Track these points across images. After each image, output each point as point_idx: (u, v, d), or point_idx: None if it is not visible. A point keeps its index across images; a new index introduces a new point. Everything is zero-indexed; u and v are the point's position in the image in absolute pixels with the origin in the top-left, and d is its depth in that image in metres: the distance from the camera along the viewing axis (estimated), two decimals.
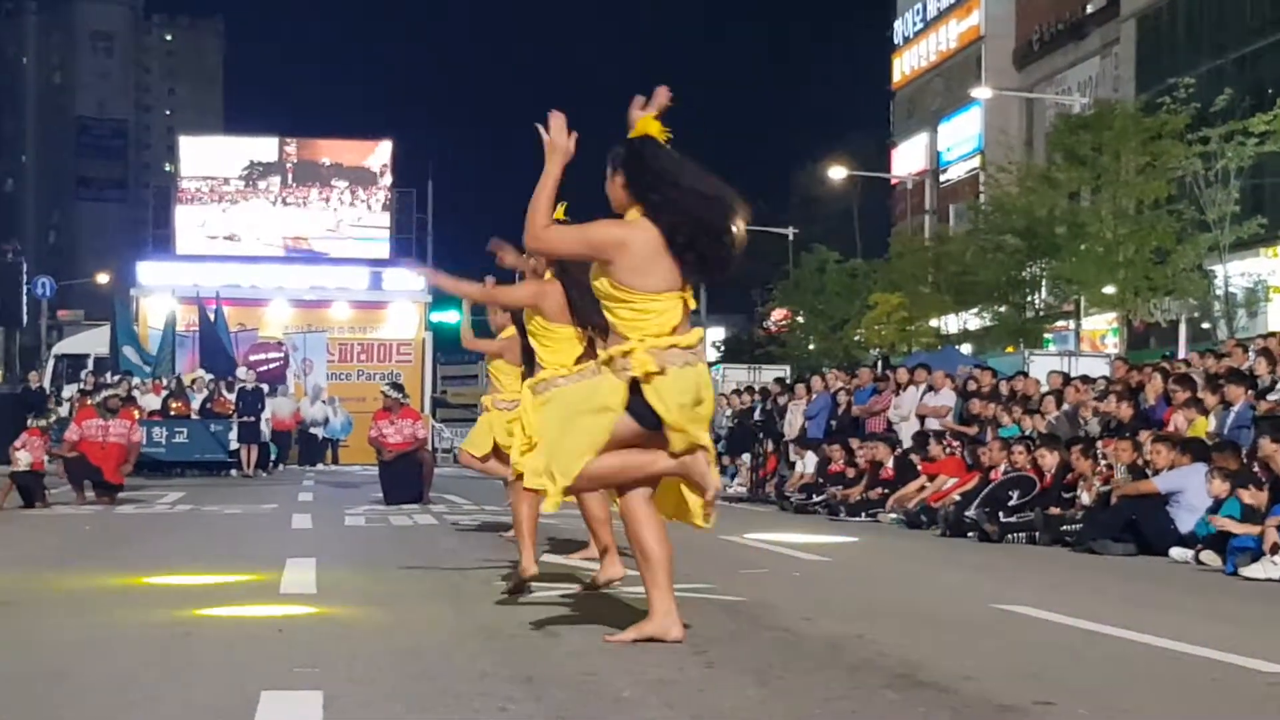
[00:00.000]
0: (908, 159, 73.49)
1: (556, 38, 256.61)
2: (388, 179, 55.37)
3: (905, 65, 76.21)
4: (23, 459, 20.65)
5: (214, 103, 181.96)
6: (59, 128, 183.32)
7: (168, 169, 64.73)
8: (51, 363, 47.13)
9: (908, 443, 21.64)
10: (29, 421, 22.89)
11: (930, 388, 23.59)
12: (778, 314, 64.68)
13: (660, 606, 7.40)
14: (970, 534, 16.80)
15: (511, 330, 11.23)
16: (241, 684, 6.17)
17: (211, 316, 40.75)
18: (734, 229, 7.40)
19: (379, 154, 55.39)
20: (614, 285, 7.30)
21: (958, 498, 18.00)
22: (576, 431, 7.39)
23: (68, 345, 51.13)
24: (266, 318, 48.53)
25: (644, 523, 7.48)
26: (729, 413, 32.79)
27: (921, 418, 22.99)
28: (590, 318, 8.57)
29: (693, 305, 7.41)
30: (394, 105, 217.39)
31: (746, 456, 29.16)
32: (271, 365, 41.27)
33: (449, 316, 48.07)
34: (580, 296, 8.72)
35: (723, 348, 77.74)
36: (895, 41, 77.70)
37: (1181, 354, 33.45)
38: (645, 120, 7.54)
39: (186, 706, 5.77)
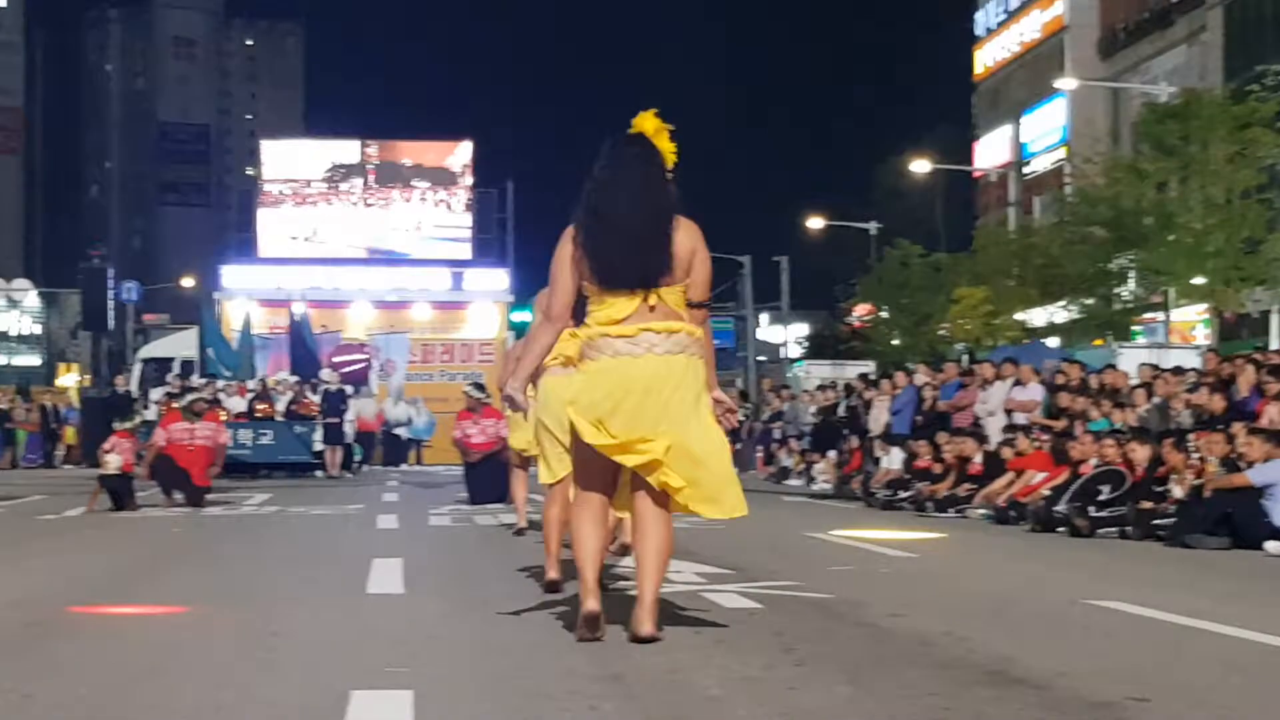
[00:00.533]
0: (991, 151, 73.03)
1: (638, 36, 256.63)
2: (468, 179, 55.52)
3: (988, 57, 75.66)
4: (112, 462, 20.80)
5: (295, 106, 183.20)
6: (142, 134, 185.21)
7: (250, 173, 65.23)
8: (138, 367, 47.47)
9: (995, 438, 21.53)
10: (115, 424, 23.05)
11: (1017, 382, 23.43)
12: (861, 309, 64.39)
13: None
14: (1060, 529, 16.70)
15: None
16: (332, 683, 6.19)
17: (298, 319, 40.95)
18: (627, 247, 7.29)
19: (460, 154, 55.54)
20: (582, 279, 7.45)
21: (1047, 492, 17.87)
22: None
23: (153, 349, 51.53)
24: (349, 319, 48.84)
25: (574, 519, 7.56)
26: (813, 410, 32.76)
27: (1009, 412, 22.86)
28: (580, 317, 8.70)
29: (654, 303, 7.27)
30: (475, 105, 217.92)
31: (831, 453, 29.11)
32: (355, 367, 41.49)
33: (529, 317, 48.22)
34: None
35: (805, 344, 77.61)
36: (977, 33, 77.14)
37: (1274, 345, 33.16)
38: (643, 117, 7.50)
39: (277, 705, 5.79)
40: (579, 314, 7.98)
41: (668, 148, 7.45)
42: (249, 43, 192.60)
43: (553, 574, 9.81)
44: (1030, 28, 71.11)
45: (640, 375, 7.22)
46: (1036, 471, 19.14)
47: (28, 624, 8.42)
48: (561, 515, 10.10)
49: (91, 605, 9.45)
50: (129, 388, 40.48)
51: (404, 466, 40.59)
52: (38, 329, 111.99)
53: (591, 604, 7.21)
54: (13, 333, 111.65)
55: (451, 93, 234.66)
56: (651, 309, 7.25)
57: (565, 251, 7.45)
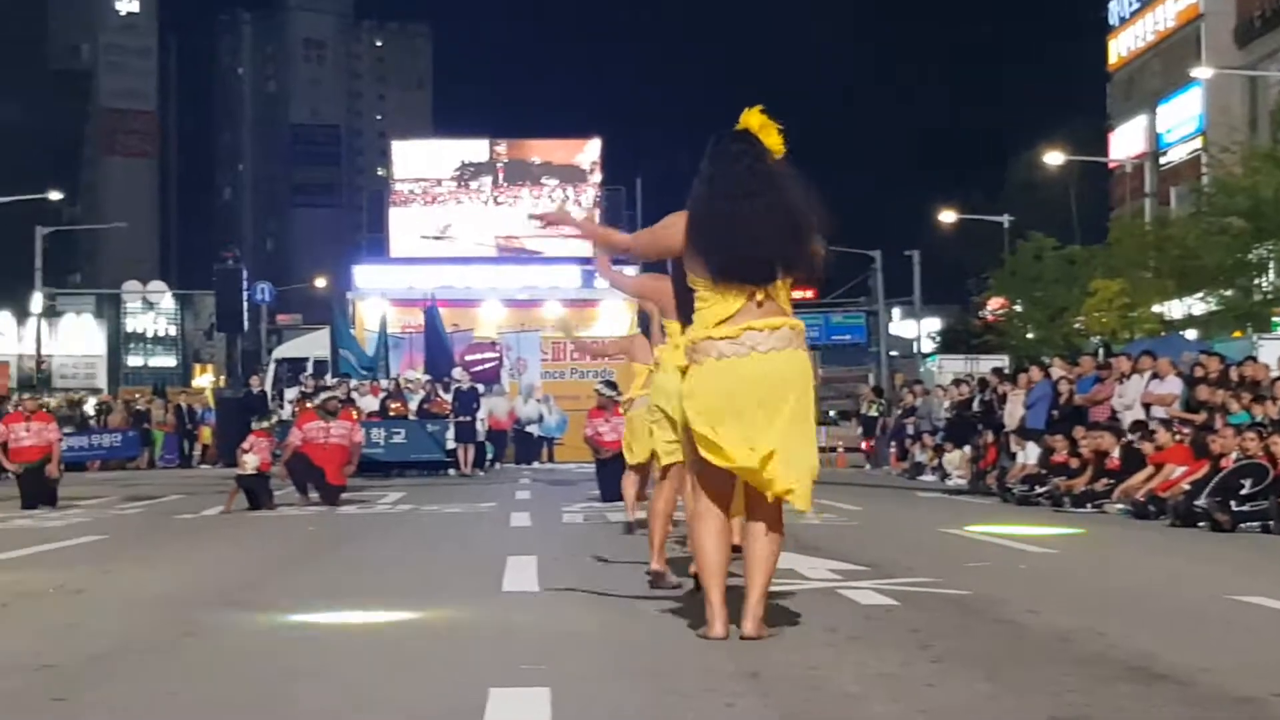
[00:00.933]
0: (1126, 142, 72.11)
1: (764, 30, 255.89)
2: (597, 176, 55.79)
3: (1121, 47, 74.72)
4: (250, 462, 21.03)
5: (424, 106, 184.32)
6: (273, 136, 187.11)
7: (380, 173, 65.75)
8: (272, 367, 47.98)
9: (1134, 432, 21.31)
10: (253, 424, 23.30)
11: (1155, 375, 23.16)
12: (994, 303, 63.90)
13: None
14: (1201, 524, 16.48)
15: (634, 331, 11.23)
16: (469, 681, 6.23)
17: (430, 309, 41.24)
18: (738, 243, 7.24)
19: (588, 152, 55.80)
20: (689, 275, 7.42)
21: (1187, 487, 17.70)
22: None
23: (287, 349, 52.06)
24: (480, 318, 49.12)
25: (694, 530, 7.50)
26: (947, 404, 32.57)
27: (1146, 406, 22.62)
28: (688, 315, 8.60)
29: (761, 299, 7.23)
30: (602, 103, 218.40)
31: (966, 448, 28.96)
32: (486, 365, 41.66)
33: None
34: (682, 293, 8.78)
35: (938, 339, 77.12)
36: (1110, 23, 76.22)
37: None
38: (748, 113, 7.45)
39: (417, 703, 5.84)
40: (686, 315, 8.01)
41: (774, 143, 7.39)
42: (378, 44, 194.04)
43: (656, 565, 9.84)
44: (1165, 16, 70.10)
45: (746, 376, 7.19)
46: (1176, 465, 18.97)
47: (168, 624, 8.54)
48: (666, 508, 10.13)
49: (230, 605, 9.57)
50: (264, 388, 40.92)
51: (536, 464, 40.72)
52: (173, 331, 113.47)
53: (718, 628, 7.17)
54: (149, 334, 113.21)
55: (580, 91, 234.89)
56: (759, 305, 7.21)
57: (679, 224, 7.47)
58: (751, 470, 7.11)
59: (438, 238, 54.30)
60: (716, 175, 7.34)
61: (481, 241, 54.22)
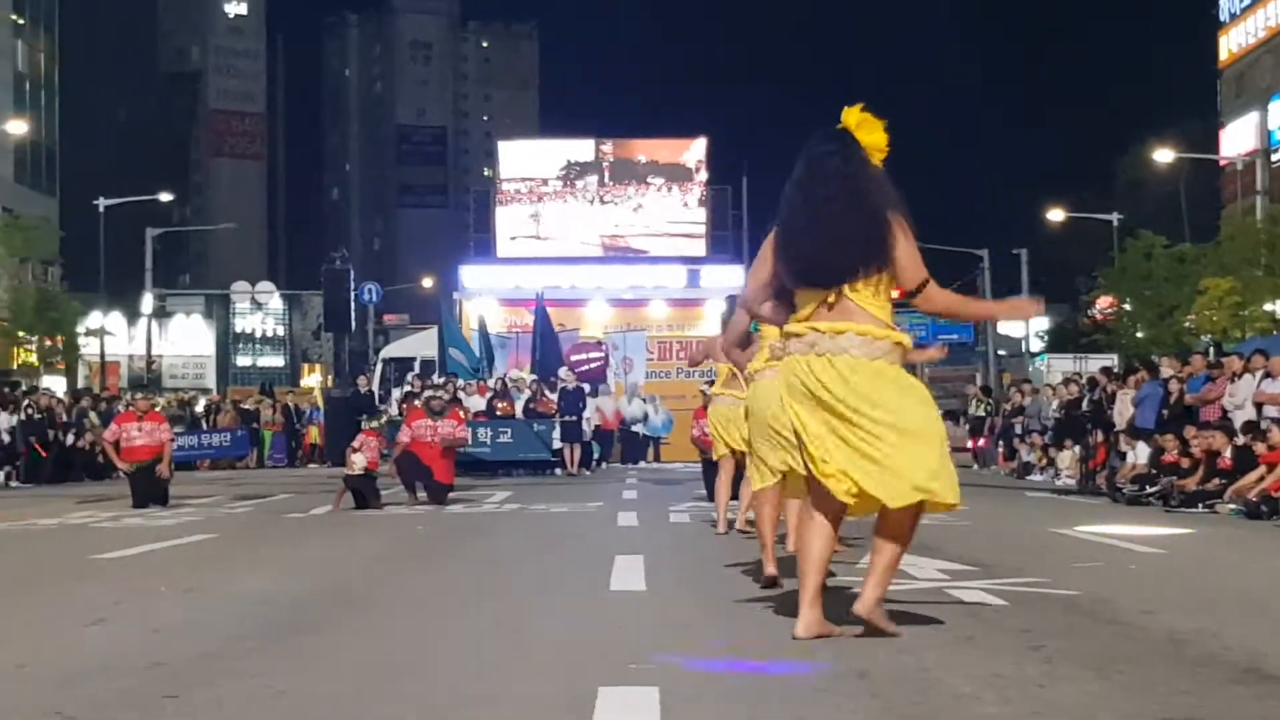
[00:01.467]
0: (1237, 139, 71.45)
1: (874, 32, 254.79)
2: (703, 175, 55.73)
3: (1232, 42, 74.10)
4: (358, 461, 21.13)
5: (529, 106, 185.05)
6: (381, 137, 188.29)
7: (486, 174, 65.99)
8: (379, 366, 48.27)
9: (1246, 432, 21.10)
10: (363, 423, 23.46)
11: (1267, 374, 22.90)
12: (1103, 301, 63.61)
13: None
14: None
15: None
16: (579, 679, 6.24)
17: (539, 309, 41.39)
18: (826, 248, 7.18)
19: (694, 151, 55.79)
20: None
21: None
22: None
23: (394, 349, 52.41)
24: (586, 318, 49.17)
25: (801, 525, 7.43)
26: (1055, 404, 32.37)
27: (1259, 405, 22.37)
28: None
29: (831, 301, 7.16)
30: (709, 103, 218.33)
31: (1076, 448, 28.77)
32: (592, 365, 41.70)
33: None
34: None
35: (1046, 338, 76.64)
36: (1221, 18, 75.57)
37: None
38: (849, 111, 7.36)
39: (527, 701, 5.87)
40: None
41: (874, 140, 7.30)
42: (484, 45, 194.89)
43: (770, 570, 9.84)
44: (1277, 11, 69.44)
45: (800, 374, 7.19)
46: None
47: (276, 622, 8.62)
48: (773, 514, 10.14)
49: (338, 603, 9.65)
50: (371, 388, 41.15)
51: (642, 464, 40.77)
52: (281, 331, 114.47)
53: (800, 627, 7.13)
54: (257, 335, 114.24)
55: (686, 91, 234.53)
56: (830, 307, 7.16)
57: (768, 242, 7.51)
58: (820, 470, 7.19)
59: (543, 239, 54.54)
60: (802, 177, 7.32)
61: (586, 241, 54.44)
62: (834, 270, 7.15)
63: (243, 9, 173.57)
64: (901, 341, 7.20)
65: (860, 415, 7.07)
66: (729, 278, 49.35)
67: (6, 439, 35.61)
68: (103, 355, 70.86)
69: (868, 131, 7.24)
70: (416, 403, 25.90)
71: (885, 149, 7.29)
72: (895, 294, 7.30)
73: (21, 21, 76.67)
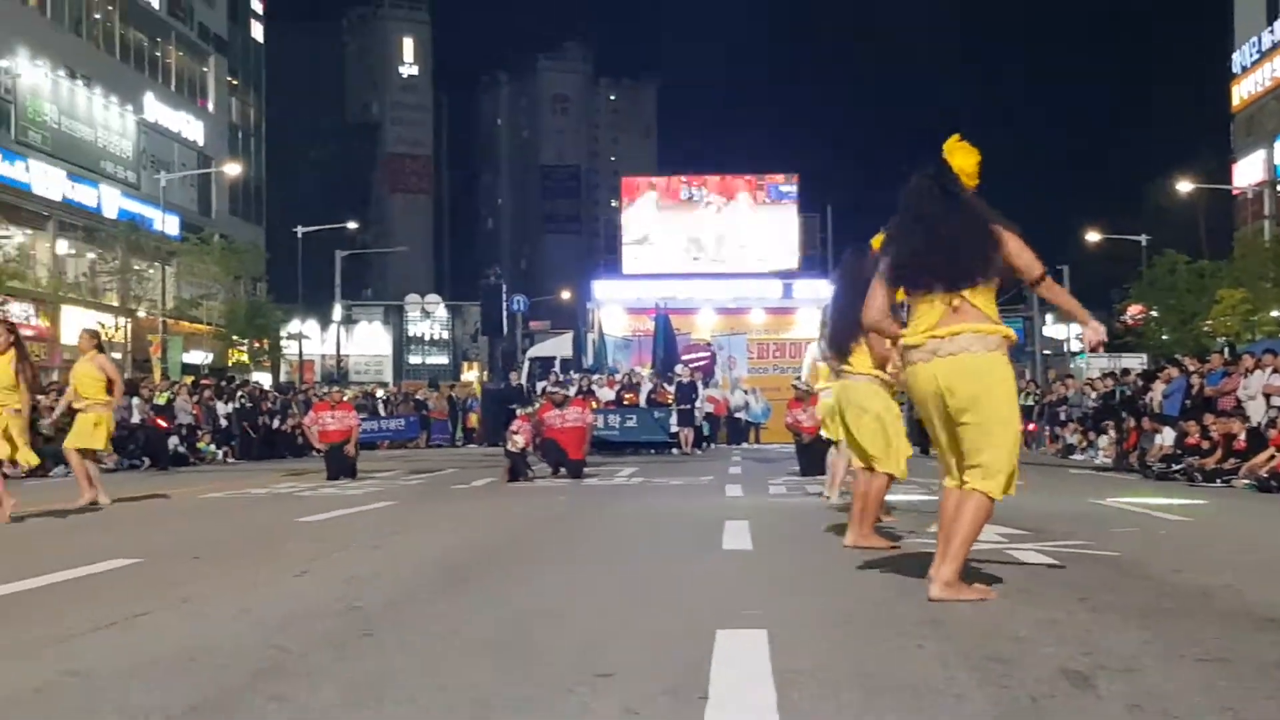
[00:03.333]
0: (1248, 172, 70.65)
1: (936, 79, 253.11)
2: (795, 205, 55.90)
3: (1243, 91, 73.20)
4: (518, 441, 21.42)
5: (650, 148, 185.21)
6: (527, 175, 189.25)
7: (614, 205, 66.19)
8: (526, 364, 48.52)
9: (1256, 418, 20.88)
10: (517, 410, 23.64)
11: (1275, 370, 22.71)
12: (1134, 309, 63.04)
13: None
14: None
15: None
16: (699, 625, 6.22)
17: (662, 317, 41.53)
18: (927, 260, 7.07)
19: (788, 184, 56.01)
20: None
21: None
22: None
23: (539, 350, 52.67)
24: (696, 323, 49.44)
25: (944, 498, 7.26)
26: (1093, 395, 32.28)
27: (1268, 396, 22.17)
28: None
29: (956, 305, 6.98)
30: (799, 144, 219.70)
31: (1111, 432, 28.53)
32: (702, 362, 41.90)
33: None
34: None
35: (1084, 340, 76.08)
36: (1234, 71, 74.71)
37: None
38: (953, 144, 7.24)
39: (655, 640, 5.85)
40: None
41: (964, 165, 7.14)
42: (613, 98, 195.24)
43: (850, 540, 9.77)
44: None
45: (926, 379, 7.06)
46: None
47: (448, 573, 8.66)
48: (867, 490, 10.05)
49: (499, 558, 9.69)
50: (520, 382, 41.36)
51: (744, 445, 40.80)
52: (445, 335, 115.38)
53: (934, 588, 6.99)
54: (426, 338, 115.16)
55: (781, 135, 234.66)
56: (955, 310, 6.98)
57: (878, 272, 7.39)
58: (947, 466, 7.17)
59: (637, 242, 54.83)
60: (913, 203, 7.23)
61: (698, 258, 54.63)
62: (954, 278, 7.00)
63: (414, 70, 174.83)
64: (1009, 335, 7.09)
65: (966, 413, 6.96)
66: (816, 290, 49.26)
67: (224, 423, 36.12)
68: (300, 355, 71.80)
69: (961, 157, 7.13)
70: (548, 397, 26.05)
71: (976, 175, 7.18)
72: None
73: (235, 83, 77.61)
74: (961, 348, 6.95)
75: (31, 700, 4.77)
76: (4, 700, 4.77)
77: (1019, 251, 7.02)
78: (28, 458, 14.90)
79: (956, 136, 7.20)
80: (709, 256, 55.06)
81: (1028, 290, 6.96)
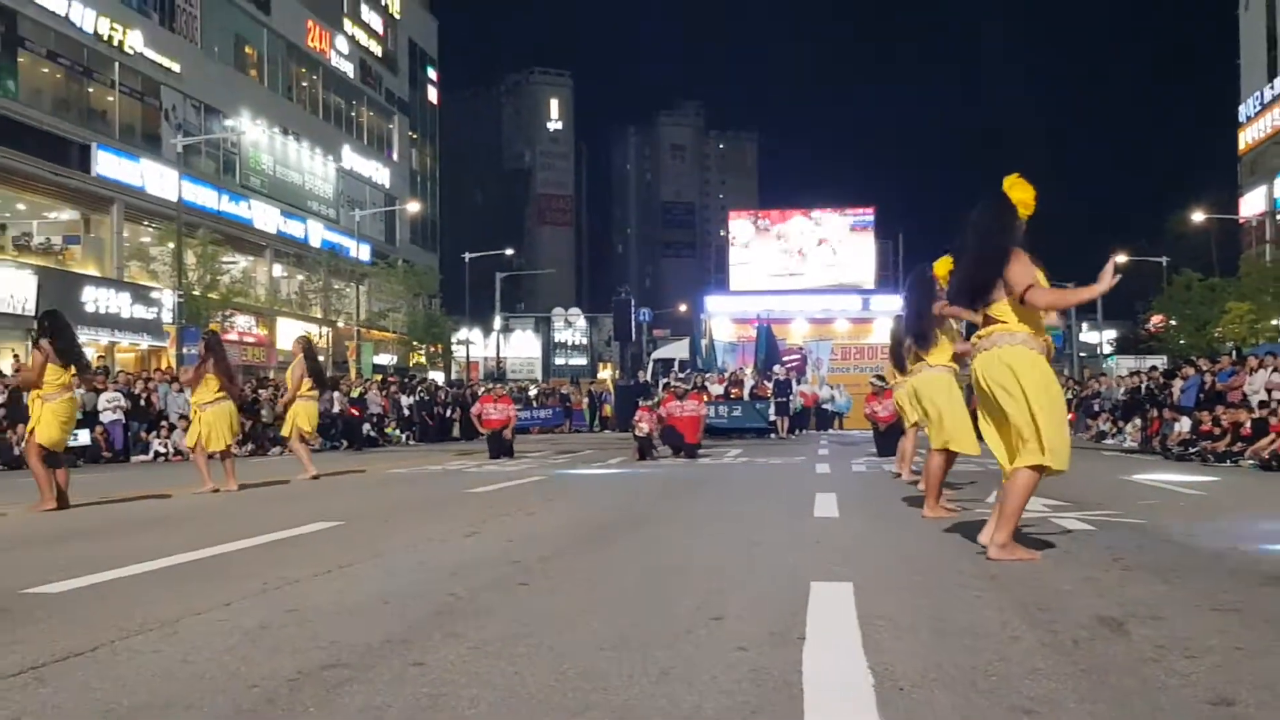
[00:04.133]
0: (1252, 204, 69.53)
1: (1000, 139, 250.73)
2: (872, 232, 55.62)
3: (1249, 136, 71.96)
4: (644, 427, 21.51)
5: (751, 187, 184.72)
6: (650, 210, 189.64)
7: (722, 234, 66.31)
8: (651, 365, 48.72)
9: (1260, 409, 20.47)
10: (640, 402, 23.67)
11: (1276, 369, 22.29)
12: (1155, 319, 62.29)
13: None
14: None
15: None
16: (797, 577, 6.23)
17: (765, 329, 41.52)
18: (974, 282, 7.05)
19: (867, 215, 55.78)
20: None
21: None
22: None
23: (660, 353, 52.73)
24: (791, 330, 49.33)
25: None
26: (1122, 390, 31.84)
27: (1269, 390, 21.75)
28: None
29: (992, 312, 6.97)
30: (876, 181, 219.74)
31: (1137, 420, 28.06)
32: (795, 363, 41.83)
33: None
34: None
35: (1114, 344, 75.01)
36: (1240, 120, 73.53)
37: None
38: (1012, 180, 7.08)
39: (760, 591, 5.86)
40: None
41: (1021, 198, 6.99)
42: (720, 146, 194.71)
43: (928, 512, 9.70)
44: None
45: (977, 368, 7.06)
46: None
47: (588, 535, 8.72)
48: (935, 468, 9.96)
49: (628, 522, 9.73)
50: (646, 379, 41.47)
51: (830, 431, 40.60)
52: (584, 341, 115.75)
53: (992, 549, 6.96)
54: (569, 343, 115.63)
55: (862, 173, 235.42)
56: (989, 318, 7.01)
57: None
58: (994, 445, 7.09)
59: (741, 264, 54.55)
60: (969, 229, 7.19)
61: (793, 277, 54.46)
62: (970, 297, 7.07)
63: (559, 125, 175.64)
64: (1039, 333, 6.95)
65: (1005, 393, 6.87)
66: (891, 304, 48.98)
67: (406, 412, 36.56)
68: (468, 357, 72.47)
69: (1019, 191, 7.04)
70: (669, 390, 26.08)
71: (1032, 205, 7.06)
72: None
73: (415, 136, 78.43)
74: (993, 344, 6.96)
75: (259, 634, 4.88)
76: (238, 632, 4.89)
77: (1012, 273, 6.88)
78: (220, 444, 14.76)
79: (1016, 175, 7.13)
80: (801, 276, 54.86)
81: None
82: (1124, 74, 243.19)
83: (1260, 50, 71.98)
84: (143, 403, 26.64)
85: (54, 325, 12.04)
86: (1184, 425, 23.36)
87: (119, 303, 41.00)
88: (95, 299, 39.77)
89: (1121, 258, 64.81)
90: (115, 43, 43.61)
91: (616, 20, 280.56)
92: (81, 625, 5.08)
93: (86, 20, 42.04)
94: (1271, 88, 69.34)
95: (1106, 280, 6.97)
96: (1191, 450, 21.23)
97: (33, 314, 32.01)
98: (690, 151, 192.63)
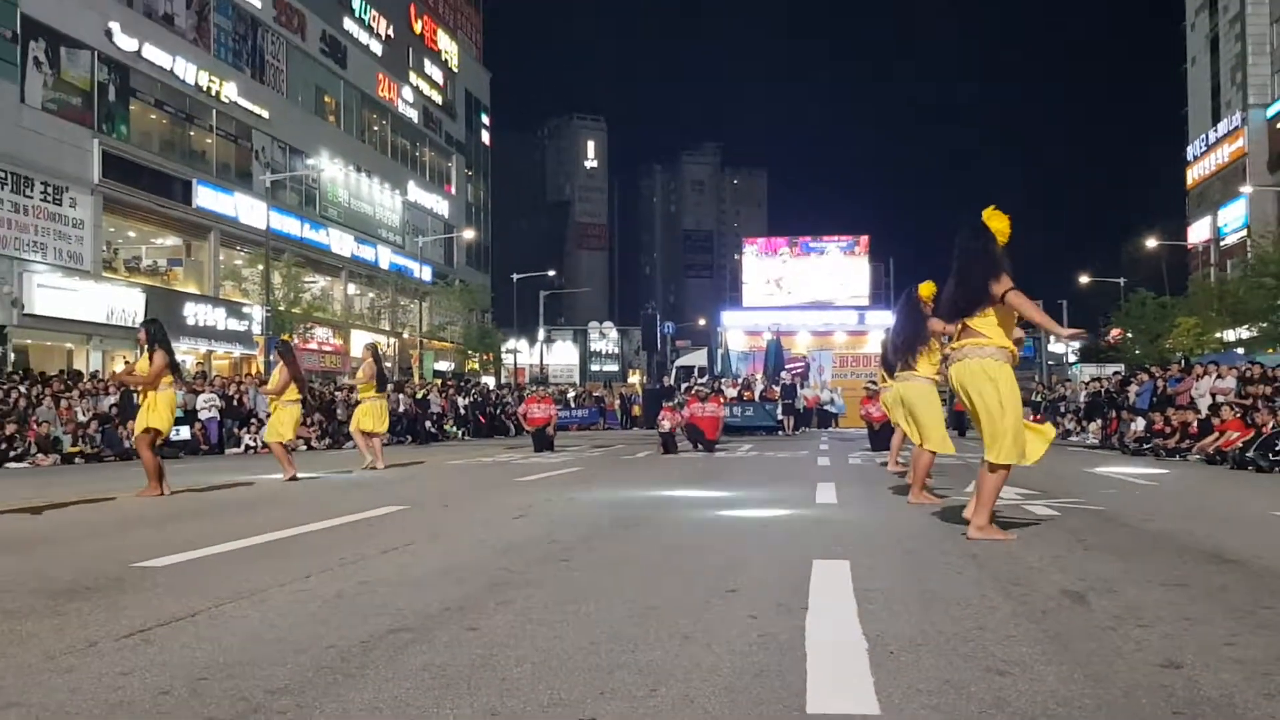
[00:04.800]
0: (1199, 232, 69.50)
1: (1004, 172, 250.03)
2: (865, 255, 55.40)
3: (1195, 173, 72.09)
4: (666, 425, 21.49)
5: (762, 216, 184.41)
6: (673, 237, 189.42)
7: (736, 257, 66.39)
8: (674, 371, 48.70)
9: (1205, 411, 20.30)
10: (664, 404, 23.66)
11: (1219, 376, 22.12)
12: (1115, 332, 62.08)
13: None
14: (1249, 468, 15.62)
15: None
16: (800, 555, 6.22)
17: (775, 341, 41.45)
18: (959, 298, 7.01)
19: (861, 240, 55.57)
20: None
21: (1240, 445, 16.75)
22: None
23: (682, 361, 52.81)
24: (796, 341, 49.13)
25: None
26: (1084, 394, 31.69)
27: (1213, 394, 21.57)
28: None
29: (971, 324, 6.94)
30: (869, 209, 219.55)
31: (1098, 420, 27.90)
32: (799, 370, 41.69)
33: None
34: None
35: (1079, 354, 74.72)
36: (1188, 159, 73.65)
37: None
38: (990, 212, 7.04)
39: (768, 565, 5.86)
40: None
41: (998, 226, 6.94)
42: (734, 181, 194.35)
43: (913, 499, 9.67)
44: (1223, 154, 67.90)
45: (952, 377, 7.06)
46: (1233, 431, 18.00)
47: (620, 516, 8.70)
48: (916, 461, 9.93)
49: (653, 506, 9.71)
50: (670, 383, 41.42)
51: (829, 429, 40.45)
52: (616, 350, 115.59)
53: (972, 513, 6.99)
54: (603, 352, 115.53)
55: (857, 203, 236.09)
56: (963, 331, 6.99)
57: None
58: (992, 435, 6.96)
59: (763, 294, 54.51)
60: (954, 253, 7.18)
61: (797, 294, 54.32)
62: (959, 310, 7.04)
63: (595, 163, 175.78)
64: (1006, 346, 6.93)
65: (978, 397, 6.88)
66: (883, 319, 48.88)
67: (463, 411, 36.59)
68: (515, 364, 72.46)
69: (996, 221, 7.01)
70: (692, 393, 26.04)
71: (1007, 233, 7.01)
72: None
73: (470, 173, 78.61)
74: (965, 355, 6.95)
75: (335, 602, 4.90)
76: (316, 601, 4.91)
77: (995, 286, 6.84)
78: (278, 437, 14.60)
79: (994, 206, 7.12)
80: (805, 294, 54.68)
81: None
82: (1089, 133, 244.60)
83: (1205, 98, 72.49)
84: (235, 403, 26.80)
85: (161, 336, 12.08)
86: (1139, 425, 23.18)
87: (215, 317, 41.48)
88: (195, 313, 40.31)
89: (1085, 278, 64.52)
90: (213, 93, 43.91)
91: (645, 75, 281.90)
92: (182, 594, 5.11)
93: (189, 74, 42.36)
94: (1215, 131, 69.52)
95: (1070, 334, 7.13)
96: (1146, 446, 21.06)
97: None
98: (709, 186, 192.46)
